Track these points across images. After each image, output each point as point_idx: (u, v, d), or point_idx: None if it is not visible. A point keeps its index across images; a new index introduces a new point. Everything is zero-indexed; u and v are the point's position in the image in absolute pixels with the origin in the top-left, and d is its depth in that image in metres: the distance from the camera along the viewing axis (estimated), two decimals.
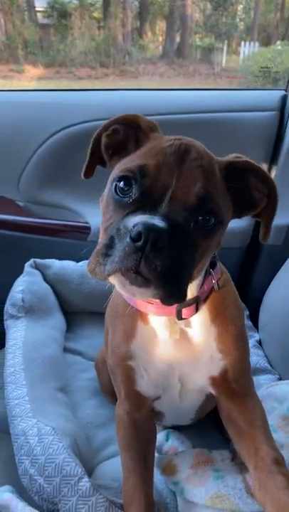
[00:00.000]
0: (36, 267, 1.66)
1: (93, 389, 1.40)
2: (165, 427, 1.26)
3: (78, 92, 1.84)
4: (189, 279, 0.73)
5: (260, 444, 0.91)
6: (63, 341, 1.56)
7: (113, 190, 0.74)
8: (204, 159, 0.75)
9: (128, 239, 0.64)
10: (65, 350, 1.54)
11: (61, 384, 1.34)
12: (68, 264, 1.68)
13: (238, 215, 0.86)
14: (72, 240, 1.72)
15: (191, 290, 0.87)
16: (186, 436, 1.23)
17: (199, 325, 0.91)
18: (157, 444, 1.19)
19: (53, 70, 3.75)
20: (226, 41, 4.25)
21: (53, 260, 1.69)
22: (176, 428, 1.25)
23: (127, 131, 0.86)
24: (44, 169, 1.76)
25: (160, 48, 4.51)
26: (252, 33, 4.31)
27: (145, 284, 0.65)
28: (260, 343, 1.58)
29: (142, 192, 0.71)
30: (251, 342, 1.57)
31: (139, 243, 0.63)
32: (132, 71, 4.08)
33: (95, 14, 4.18)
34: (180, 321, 0.90)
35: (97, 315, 1.66)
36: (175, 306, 0.86)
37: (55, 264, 1.67)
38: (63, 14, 3.99)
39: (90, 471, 1.12)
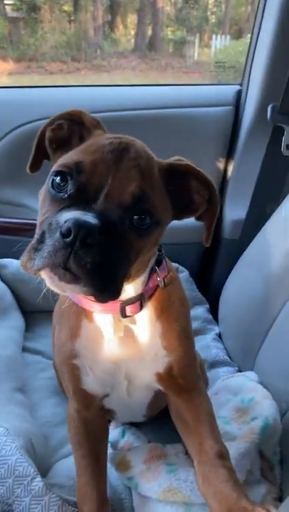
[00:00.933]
0: None
1: (52, 388, 1.40)
2: (123, 424, 1.27)
3: (35, 88, 1.82)
4: (123, 277, 0.73)
5: (204, 439, 0.92)
6: (22, 341, 1.55)
7: (50, 185, 0.74)
8: (142, 159, 0.75)
9: (58, 234, 0.64)
10: (25, 349, 1.53)
11: (19, 384, 1.33)
12: None
13: (178, 217, 0.86)
14: (32, 238, 1.70)
15: (135, 287, 0.87)
16: (142, 431, 1.24)
17: (144, 322, 0.92)
18: (113, 440, 1.20)
19: (23, 65, 3.69)
20: (197, 34, 4.24)
21: (11, 260, 1.67)
22: (133, 424, 1.26)
23: (72, 127, 0.86)
24: (3, 167, 1.74)
25: (132, 41, 4.48)
26: (223, 26, 4.31)
27: (74, 281, 0.65)
28: (219, 336, 1.60)
29: (77, 188, 0.71)
30: (211, 335, 1.59)
31: (69, 239, 0.63)
32: (104, 65, 4.04)
33: (65, 7, 4.11)
34: (125, 319, 0.90)
35: None
36: (118, 303, 0.86)
37: (13, 264, 1.66)
38: (33, 7, 3.92)
39: (47, 470, 1.13)
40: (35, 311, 1.71)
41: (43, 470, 1.08)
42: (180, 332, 0.94)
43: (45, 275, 0.67)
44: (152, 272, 0.91)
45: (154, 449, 1.12)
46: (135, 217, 0.71)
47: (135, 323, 0.92)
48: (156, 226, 0.75)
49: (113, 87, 1.77)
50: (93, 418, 1.02)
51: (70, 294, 0.77)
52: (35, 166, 0.90)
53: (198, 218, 0.88)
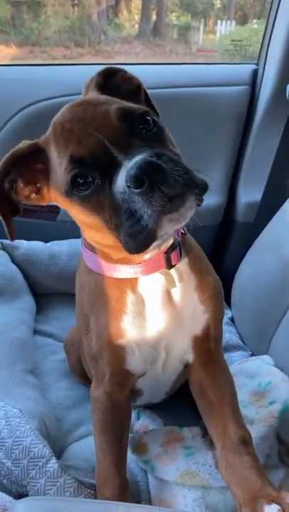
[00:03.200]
0: (3, 248, 1.62)
1: (64, 370, 1.39)
2: (136, 407, 1.25)
3: (44, 66, 1.78)
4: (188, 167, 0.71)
5: (228, 422, 0.90)
6: (33, 323, 1.53)
7: (78, 195, 0.71)
8: (90, 102, 0.74)
9: (136, 192, 0.63)
10: (36, 332, 1.52)
11: (31, 366, 1.32)
12: (37, 245, 1.65)
13: None
14: (41, 220, 1.68)
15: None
16: (158, 414, 1.22)
17: (182, 275, 0.89)
18: None
19: (26, 50, 3.64)
20: (202, 20, 4.18)
21: (21, 241, 1.65)
22: (148, 407, 1.24)
23: (23, 172, 0.79)
24: (10, 147, 1.70)
25: (136, 26, 4.42)
26: (228, 11, 4.25)
27: (183, 199, 0.65)
28: (232, 320, 1.59)
29: (96, 169, 0.68)
30: (224, 319, 1.57)
31: (146, 184, 0.62)
32: (108, 51, 3.99)
33: None
34: (172, 272, 0.87)
35: (67, 296, 1.61)
36: (163, 253, 0.84)
37: (23, 245, 1.64)
38: None
39: (60, 453, 1.12)
40: (46, 294, 1.69)
41: (57, 452, 1.07)
42: (214, 285, 0.94)
43: (166, 224, 0.65)
44: None
45: (171, 432, 1.10)
46: (141, 127, 0.71)
47: (181, 278, 0.89)
48: (156, 118, 0.74)
49: (124, 66, 1.73)
50: (123, 400, 0.98)
51: (191, 213, 0.71)
52: (12, 230, 0.83)
53: None
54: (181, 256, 0.88)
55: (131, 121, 0.70)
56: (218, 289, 0.96)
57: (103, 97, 0.77)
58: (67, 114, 0.74)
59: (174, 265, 0.86)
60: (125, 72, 0.86)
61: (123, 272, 0.85)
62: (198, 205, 0.68)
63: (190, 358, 0.98)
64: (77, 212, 0.75)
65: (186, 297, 0.90)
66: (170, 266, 0.86)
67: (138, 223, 0.65)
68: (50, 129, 0.77)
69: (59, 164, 0.73)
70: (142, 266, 0.84)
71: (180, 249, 0.88)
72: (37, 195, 0.81)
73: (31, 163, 0.79)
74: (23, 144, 0.79)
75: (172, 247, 0.85)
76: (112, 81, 0.85)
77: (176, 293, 0.90)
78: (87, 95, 0.83)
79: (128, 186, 0.63)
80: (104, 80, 0.84)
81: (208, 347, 0.96)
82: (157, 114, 0.86)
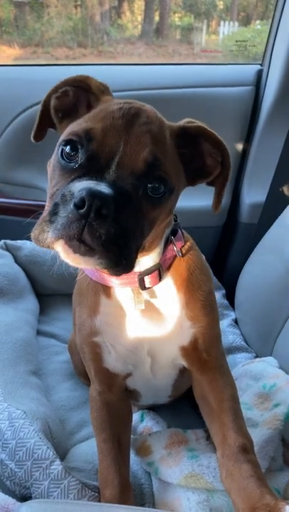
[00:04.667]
0: (7, 248, 1.61)
1: (67, 372, 1.38)
2: (142, 408, 1.24)
3: (49, 67, 1.78)
4: (137, 248, 0.70)
5: (227, 430, 0.89)
6: (36, 324, 1.53)
7: (59, 154, 0.71)
8: (154, 124, 0.72)
9: (72, 205, 0.61)
10: (39, 333, 1.52)
11: (34, 367, 1.31)
12: None
13: (191, 182, 0.84)
14: None
15: (153, 258, 0.85)
16: (161, 416, 1.22)
17: (165, 294, 0.89)
18: (132, 424, 1.17)
19: (29, 51, 3.63)
20: (205, 21, 4.17)
21: (25, 241, 1.64)
22: (152, 409, 1.24)
23: (78, 94, 0.82)
24: (15, 148, 1.70)
25: (139, 27, 4.41)
26: (231, 12, 4.24)
27: (89, 253, 0.63)
28: (236, 321, 1.58)
29: (88, 157, 0.68)
30: (228, 321, 1.57)
31: (83, 210, 0.60)
32: (111, 51, 3.98)
33: None
34: (144, 292, 0.87)
35: (71, 297, 1.60)
36: (136, 275, 0.84)
37: (27, 246, 1.63)
38: None
39: (63, 454, 1.11)
40: (49, 295, 1.69)
41: (60, 454, 1.07)
42: (203, 301, 0.91)
43: (59, 247, 0.64)
44: (169, 242, 0.88)
45: (175, 435, 1.10)
46: (149, 185, 0.69)
47: (155, 296, 0.89)
48: (170, 194, 0.72)
49: (128, 66, 1.74)
50: (116, 400, 1.00)
51: (84, 266, 0.74)
52: (40, 135, 0.86)
53: (209, 183, 0.86)
54: (161, 279, 0.87)
55: (148, 173, 0.68)
56: (209, 304, 0.93)
57: (162, 133, 0.74)
58: (131, 108, 0.72)
59: (149, 288, 0.86)
60: (215, 140, 0.80)
61: (99, 275, 0.86)
62: (103, 267, 0.66)
63: (184, 363, 0.97)
64: (51, 166, 0.75)
65: (172, 313, 0.90)
66: (144, 287, 0.86)
67: (51, 219, 0.64)
68: (112, 98, 0.79)
69: (80, 123, 0.73)
70: (116, 278, 0.84)
71: (160, 272, 0.86)
72: (61, 118, 0.83)
73: (87, 96, 0.81)
74: (98, 81, 0.82)
75: (147, 272, 0.85)
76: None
77: (161, 306, 0.90)
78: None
79: (78, 193, 0.61)
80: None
81: (200, 357, 0.94)
82: (215, 209, 0.85)
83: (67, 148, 0.69)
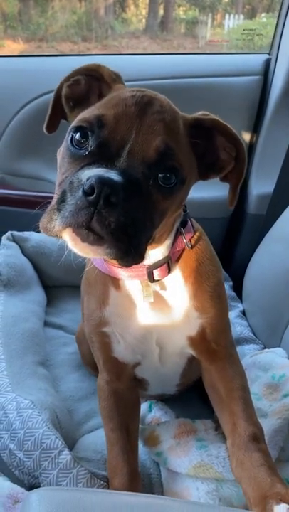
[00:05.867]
0: (14, 239, 1.61)
1: (75, 363, 1.38)
2: (150, 398, 1.24)
3: (56, 57, 1.78)
4: (147, 239, 0.69)
5: (238, 419, 0.89)
6: (44, 315, 1.52)
7: (69, 141, 0.70)
8: (167, 113, 0.71)
9: (80, 192, 0.60)
10: (47, 324, 1.51)
11: (42, 358, 1.31)
12: (47, 237, 1.63)
13: (204, 176, 0.82)
14: None
15: (162, 251, 0.84)
16: (170, 406, 1.21)
17: (174, 286, 0.89)
18: (140, 414, 1.17)
19: (33, 45, 3.63)
20: (210, 14, 4.14)
21: (32, 233, 1.64)
22: (160, 399, 1.23)
23: (90, 83, 0.81)
24: (21, 139, 1.69)
25: (143, 21, 4.38)
26: (236, 5, 4.21)
27: (98, 242, 0.62)
28: (243, 313, 1.57)
29: (98, 144, 0.67)
30: (235, 312, 1.56)
31: (92, 197, 0.59)
32: (115, 45, 3.97)
33: None
34: (153, 284, 0.86)
35: (78, 288, 1.60)
36: (144, 268, 0.83)
37: (34, 237, 1.63)
38: None
39: (71, 445, 1.11)
40: (57, 286, 1.68)
41: (69, 444, 1.06)
42: (211, 292, 0.91)
43: (67, 236, 0.63)
44: (178, 234, 0.87)
45: (184, 425, 1.09)
46: (160, 175, 0.67)
47: (165, 289, 0.88)
48: (181, 185, 0.71)
49: (135, 56, 1.72)
50: (124, 389, 1.00)
51: (92, 256, 0.73)
52: (53, 125, 0.86)
53: (223, 179, 0.84)
54: (169, 271, 0.86)
55: (160, 162, 0.67)
56: (217, 294, 0.92)
57: (176, 123, 0.73)
58: (144, 96, 0.71)
59: (158, 280, 0.86)
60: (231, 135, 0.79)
61: (108, 267, 0.86)
62: (112, 257, 0.65)
63: (192, 352, 0.97)
64: (61, 154, 0.74)
65: (179, 304, 0.89)
66: (152, 280, 0.85)
67: (59, 207, 0.63)
68: (124, 87, 0.78)
69: (91, 110, 0.72)
70: (124, 269, 0.83)
71: (169, 264, 0.86)
72: (72, 107, 0.82)
73: (98, 85, 0.81)
74: (108, 69, 0.81)
75: (156, 265, 0.84)
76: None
77: (169, 298, 0.89)
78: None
79: (86, 180, 0.61)
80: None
81: (209, 346, 0.94)
82: (230, 205, 0.84)
83: (78, 135, 0.68)
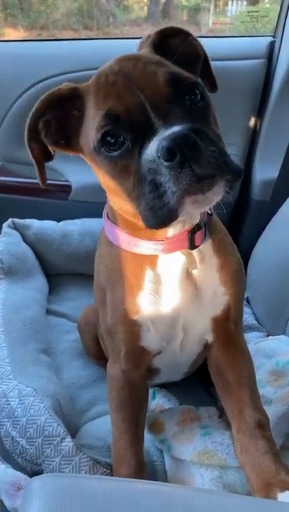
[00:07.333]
0: (15, 227, 1.60)
1: (77, 350, 1.37)
2: (152, 386, 1.23)
3: (56, 42, 1.75)
4: (225, 150, 0.68)
5: (245, 405, 0.89)
6: (46, 303, 1.52)
7: (105, 155, 0.68)
8: (141, 58, 0.71)
9: (164, 164, 0.60)
10: (49, 312, 1.51)
11: (44, 345, 1.31)
12: (49, 224, 1.63)
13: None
14: (53, 199, 1.66)
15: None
16: (173, 393, 1.21)
17: (203, 257, 0.86)
18: None
19: (34, 33, 3.59)
20: (212, 1, 4.08)
21: (33, 220, 1.63)
22: (163, 386, 1.23)
23: (58, 114, 0.77)
24: (22, 126, 1.66)
25: (145, 9, 4.33)
26: None
27: (213, 182, 0.61)
28: (247, 300, 1.56)
29: (130, 130, 0.65)
30: None
31: (178, 158, 0.59)
32: (117, 33, 3.92)
33: None
34: (194, 252, 0.84)
35: (80, 276, 1.62)
36: (186, 232, 0.81)
37: (35, 224, 1.62)
38: None
39: (74, 432, 1.10)
40: (59, 274, 1.67)
41: (71, 431, 1.06)
42: (237, 265, 0.91)
43: (189, 205, 0.62)
44: None
45: (188, 412, 1.08)
46: (187, 98, 0.67)
47: (204, 258, 0.86)
48: (203, 91, 0.70)
49: (136, 40, 1.69)
50: (138, 379, 0.97)
51: (216, 200, 0.67)
52: (44, 176, 0.81)
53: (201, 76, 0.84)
54: (205, 237, 0.85)
55: (178, 88, 0.67)
56: (240, 270, 0.93)
57: (156, 57, 0.73)
58: (114, 66, 0.70)
59: (197, 246, 0.83)
60: (189, 35, 0.80)
61: (144, 247, 0.83)
62: (228, 193, 0.65)
63: (210, 338, 0.95)
64: (101, 173, 0.73)
65: (207, 278, 0.87)
66: (193, 246, 0.83)
67: (160, 198, 0.62)
68: (93, 77, 0.74)
69: (93, 117, 0.70)
70: (164, 244, 0.81)
71: (205, 230, 0.84)
72: (66, 143, 0.79)
73: (68, 107, 0.76)
74: (65, 85, 0.77)
75: (197, 227, 0.82)
76: (170, 42, 0.80)
77: (197, 273, 0.87)
78: (140, 51, 0.79)
79: (158, 156, 0.60)
80: (162, 39, 0.79)
81: (228, 328, 0.93)
82: (215, 89, 0.84)
83: (109, 141, 0.67)
